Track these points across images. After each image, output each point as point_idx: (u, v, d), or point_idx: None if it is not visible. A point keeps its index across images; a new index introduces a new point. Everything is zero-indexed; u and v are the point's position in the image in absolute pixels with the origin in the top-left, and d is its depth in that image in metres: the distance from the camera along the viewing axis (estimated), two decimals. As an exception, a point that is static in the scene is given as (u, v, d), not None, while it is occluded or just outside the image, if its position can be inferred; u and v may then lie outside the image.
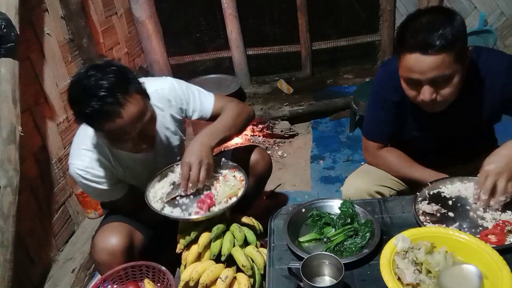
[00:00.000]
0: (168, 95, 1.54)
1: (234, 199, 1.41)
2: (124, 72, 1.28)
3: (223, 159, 1.58)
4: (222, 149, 2.17)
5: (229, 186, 1.45)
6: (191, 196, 1.43)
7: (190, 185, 1.40)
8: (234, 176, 1.51)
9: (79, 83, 1.23)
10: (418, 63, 1.20)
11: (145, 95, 1.33)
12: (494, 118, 1.47)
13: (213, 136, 1.46)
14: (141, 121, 1.29)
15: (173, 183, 1.50)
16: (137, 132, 1.30)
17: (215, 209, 1.39)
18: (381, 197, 1.51)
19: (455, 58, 1.19)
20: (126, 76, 1.27)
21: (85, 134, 1.46)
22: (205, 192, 1.44)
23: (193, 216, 1.37)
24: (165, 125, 1.57)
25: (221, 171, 1.55)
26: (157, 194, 1.48)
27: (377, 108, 1.51)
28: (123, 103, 1.22)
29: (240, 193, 1.42)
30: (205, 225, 1.42)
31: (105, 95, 1.20)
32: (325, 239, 1.24)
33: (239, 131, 1.62)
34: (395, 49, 1.29)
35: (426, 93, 1.24)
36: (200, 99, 1.59)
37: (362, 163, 2.75)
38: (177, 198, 1.44)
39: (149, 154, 1.54)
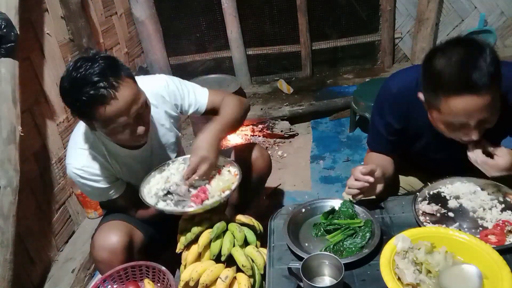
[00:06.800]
0: (162, 91, 1.54)
1: (227, 192, 1.42)
2: (112, 58, 1.30)
3: None
4: (222, 148, 2.17)
5: (223, 180, 1.46)
6: (187, 191, 1.45)
7: (194, 177, 1.42)
8: (228, 170, 1.52)
9: (70, 76, 1.24)
10: (468, 105, 1.07)
11: (135, 80, 1.34)
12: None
13: (220, 130, 1.48)
14: (136, 104, 1.30)
15: (169, 181, 1.50)
16: (133, 118, 1.31)
17: (208, 202, 1.40)
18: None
19: (497, 90, 1.08)
20: (115, 61, 1.30)
21: (81, 134, 1.47)
22: (199, 187, 1.45)
23: (187, 209, 1.38)
24: (160, 122, 1.57)
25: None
26: (151, 190, 1.48)
27: (380, 126, 1.43)
28: (116, 86, 1.24)
29: (233, 187, 1.43)
30: (205, 225, 1.42)
31: (98, 79, 1.21)
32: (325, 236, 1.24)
33: (241, 122, 1.65)
34: (426, 90, 1.16)
35: (474, 135, 1.14)
36: (195, 93, 1.61)
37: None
38: (172, 194, 1.45)
39: (145, 151, 1.54)
